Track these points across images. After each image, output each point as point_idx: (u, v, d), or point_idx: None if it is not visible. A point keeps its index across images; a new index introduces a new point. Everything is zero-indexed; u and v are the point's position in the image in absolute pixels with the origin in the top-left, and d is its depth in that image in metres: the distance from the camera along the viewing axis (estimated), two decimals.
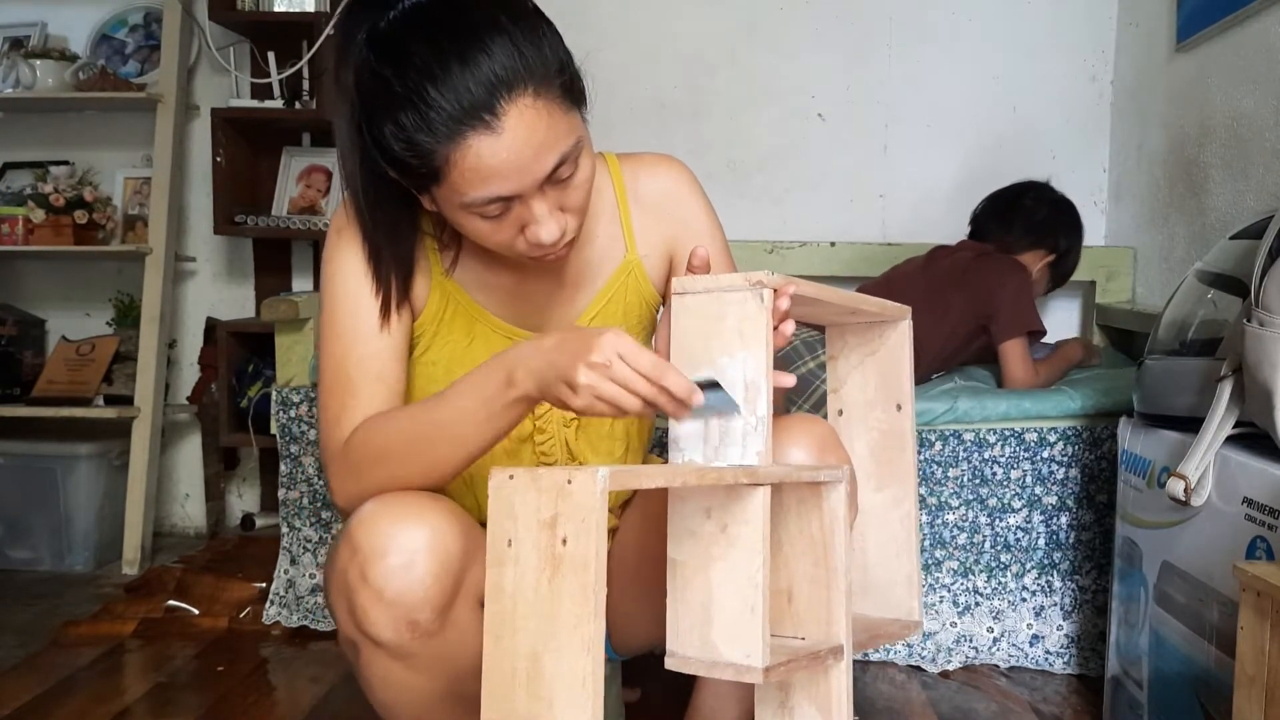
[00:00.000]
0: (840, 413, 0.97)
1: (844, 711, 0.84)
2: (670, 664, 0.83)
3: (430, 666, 0.98)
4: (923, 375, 1.98)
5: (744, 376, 0.82)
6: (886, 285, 2.09)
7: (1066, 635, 1.86)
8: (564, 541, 0.68)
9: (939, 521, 1.86)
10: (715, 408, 0.85)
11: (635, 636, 1.25)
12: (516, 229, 0.98)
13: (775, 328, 0.85)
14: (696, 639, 0.82)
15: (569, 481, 0.68)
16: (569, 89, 0.97)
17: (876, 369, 0.94)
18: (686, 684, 1.14)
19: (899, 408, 0.93)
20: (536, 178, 0.94)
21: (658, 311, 1.23)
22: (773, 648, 0.81)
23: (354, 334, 1.06)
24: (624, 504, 1.25)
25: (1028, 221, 2.09)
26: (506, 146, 0.91)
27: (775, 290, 0.82)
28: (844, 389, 0.97)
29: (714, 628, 0.80)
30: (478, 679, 1.02)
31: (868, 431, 0.95)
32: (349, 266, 1.08)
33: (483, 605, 0.98)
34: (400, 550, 0.93)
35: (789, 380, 0.88)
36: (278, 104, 2.54)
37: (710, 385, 0.85)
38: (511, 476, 0.71)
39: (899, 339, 0.92)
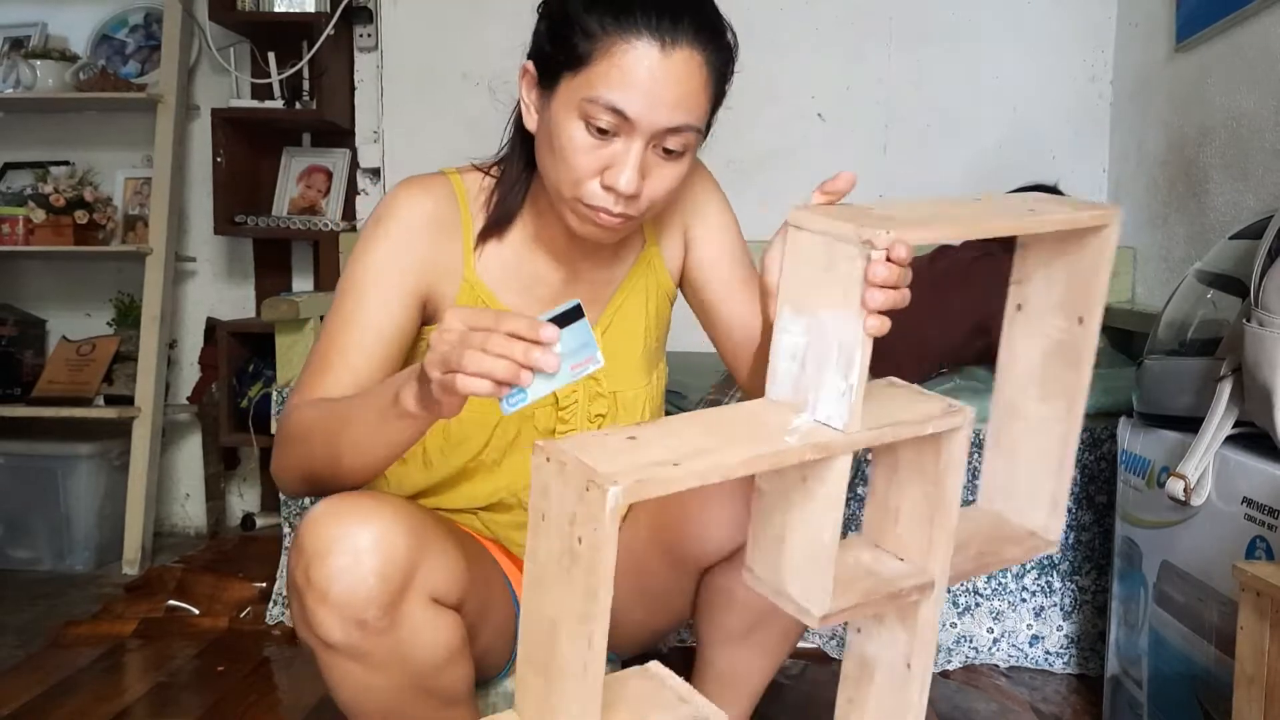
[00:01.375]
0: (1019, 307, 0.90)
1: (927, 647, 0.83)
2: (746, 579, 0.85)
3: (386, 665, 0.97)
4: (923, 375, 1.98)
5: (839, 337, 0.76)
6: None
7: (1066, 635, 1.86)
8: (579, 540, 0.68)
9: None
10: (577, 342, 0.80)
11: (630, 636, 1.25)
12: (600, 166, 1.00)
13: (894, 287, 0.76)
14: (770, 564, 0.83)
15: (586, 489, 0.67)
16: (718, 90, 1.04)
17: (1066, 272, 0.86)
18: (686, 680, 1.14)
19: (1081, 320, 0.85)
20: (660, 121, 0.98)
21: (673, 301, 1.25)
22: (856, 575, 0.82)
23: (354, 318, 1.07)
24: None
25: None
26: (665, 70, 0.96)
27: (886, 251, 0.73)
28: (1029, 284, 0.90)
29: (784, 561, 0.81)
30: (441, 673, 1.01)
31: (1043, 337, 0.88)
32: (384, 249, 1.09)
33: (436, 602, 0.99)
34: (344, 551, 0.92)
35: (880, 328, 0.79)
36: (278, 104, 2.54)
37: (564, 317, 0.80)
38: (549, 459, 0.71)
39: (1100, 246, 0.83)
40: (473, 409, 1.03)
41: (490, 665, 1.20)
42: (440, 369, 0.82)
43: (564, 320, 0.80)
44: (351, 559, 0.92)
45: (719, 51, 1.01)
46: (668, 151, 1.01)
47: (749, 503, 1.05)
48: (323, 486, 1.02)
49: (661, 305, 1.24)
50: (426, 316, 1.13)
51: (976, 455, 1.86)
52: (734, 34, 1.05)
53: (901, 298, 0.74)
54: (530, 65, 1.07)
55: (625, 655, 1.32)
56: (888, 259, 0.71)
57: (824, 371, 0.77)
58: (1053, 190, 2.15)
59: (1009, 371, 0.91)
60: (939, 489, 0.82)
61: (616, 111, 0.97)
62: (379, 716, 1.01)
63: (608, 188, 1.00)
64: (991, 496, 0.94)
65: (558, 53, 1.01)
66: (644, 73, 0.96)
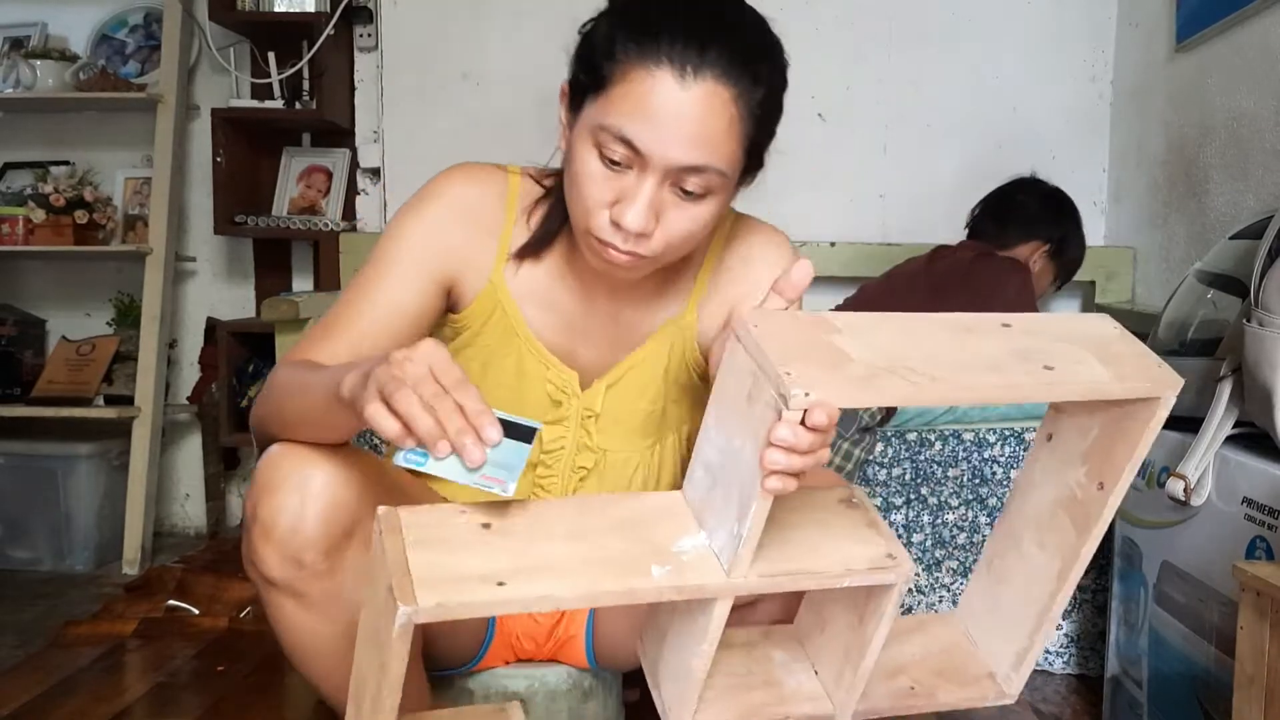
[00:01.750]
0: (1050, 437, 0.80)
1: None
2: (638, 647, 0.82)
3: (325, 609, 0.95)
4: None
5: (741, 479, 0.68)
6: (888, 286, 2.09)
7: (1066, 635, 1.86)
8: (379, 632, 0.66)
9: (939, 521, 1.86)
10: (506, 459, 0.73)
11: (617, 653, 1.23)
12: (612, 197, 0.95)
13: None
14: (652, 652, 0.80)
15: (388, 590, 0.63)
16: (755, 138, 0.96)
17: (1103, 426, 0.76)
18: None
19: (1101, 486, 0.75)
20: (674, 159, 0.91)
21: (702, 374, 1.16)
22: (752, 681, 0.79)
23: (370, 289, 1.05)
24: None
25: (1021, 215, 2.09)
26: (678, 103, 0.90)
27: (803, 412, 0.64)
28: (1066, 417, 0.79)
29: (661, 659, 0.78)
30: None
31: (1061, 485, 0.79)
32: (418, 227, 1.07)
33: None
34: (292, 489, 0.91)
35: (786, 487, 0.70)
36: (278, 104, 2.54)
37: (516, 429, 0.74)
38: (382, 531, 0.67)
39: (1146, 418, 0.72)
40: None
41: (459, 651, 1.18)
42: (375, 388, 0.76)
43: (514, 431, 0.74)
44: (298, 498, 0.91)
45: (754, 88, 0.93)
46: (686, 192, 0.94)
47: None
48: (269, 441, 1.00)
49: (683, 375, 1.15)
50: (450, 303, 1.11)
51: (977, 454, 1.85)
52: (779, 67, 0.97)
53: (812, 462, 0.67)
54: (565, 85, 1.02)
55: (625, 670, 1.31)
56: (803, 422, 0.64)
57: (726, 505, 0.70)
58: (1033, 181, 2.14)
59: (1021, 499, 0.83)
60: (860, 633, 0.77)
61: (627, 143, 0.92)
62: (319, 661, 0.99)
63: (615, 223, 0.95)
64: (969, 615, 0.87)
65: (584, 74, 0.97)
66: (659, 105, 0.90)
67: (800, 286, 0.77)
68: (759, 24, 0.98)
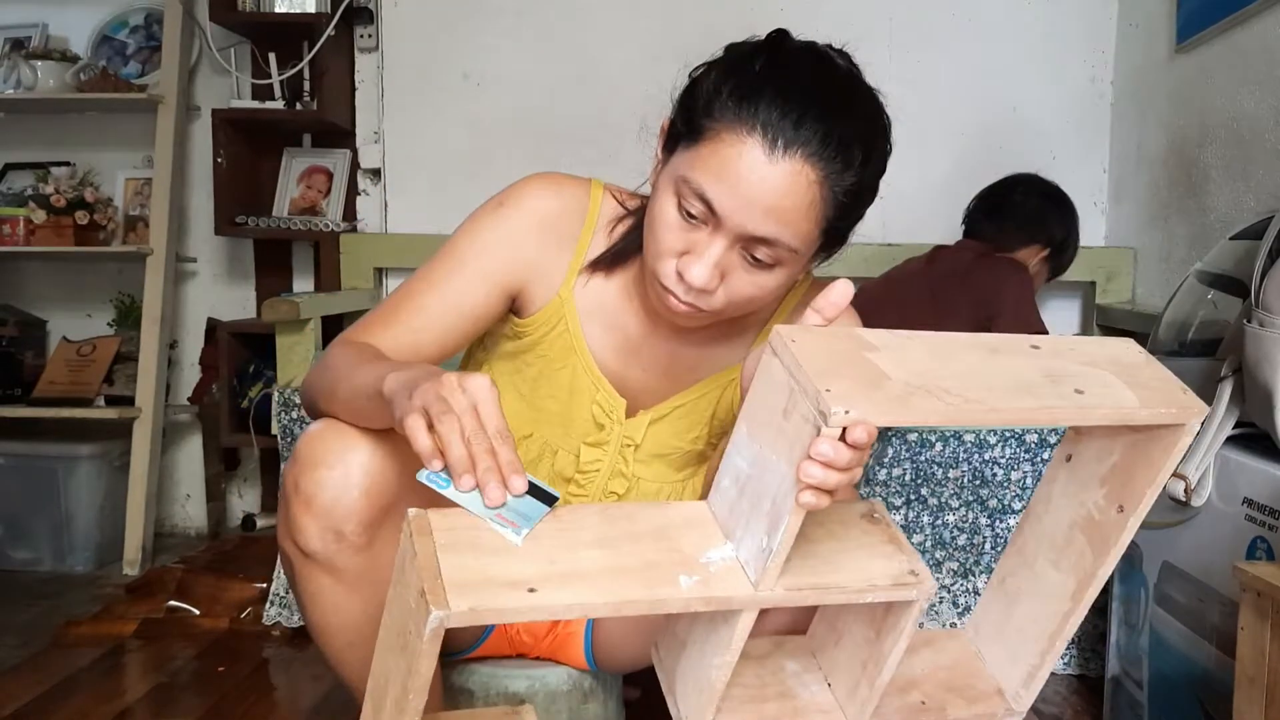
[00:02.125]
0: (1069, 458, 0.80)
1: None
2: (652, 655, 0.83)
3: (357, 584, 0.96)
4: None
5: (775, 491, 0.68)
6: (887, 286, 2.09)
7: None
8: (410, 632, 0.65)
9: (939, 522, 1.86)
10: (524, 510, 0.73)
11: (616, 654, 1.24)
12: (682, 247, 0.96)
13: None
14: (671, 660, 0.80)
15: (420, 594, 0.63)
16: (835, 222, 0.96)
17: (1125, 450, 0.75)
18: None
19: (1120, 509, 0.75)
20: (745, 226, 0.92)
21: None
22: (766, 694, 0.78)
23: (440, 284, 1.06)
24: None
25: (1020, 216, 2.07)
26: (762, 175, 0.90)
27: (842, 430, 0.64)
28: (1087, 439, 0.79)
29: (680, 666, 0.79)
30: None
31: (1079, 505, 0.79)
32: (494, 232, 1.07)
33: None
34: (334, 463, 0.92)
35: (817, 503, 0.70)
36: (279, 105, 2.54)
37: (539, 491, 0.74)
38: (412, 534, 0.68)
39: (1168, 444, 0.72)
40: (542, 422, 1.05)
41: (460, 635, 1.19)
42: (420, 403, 0.77)
43: (537, 492, 0.75)
44: (341, 472, 0.91)
45: (844, 173, 0.92)
46: (755, 259, 0.95)
47: None
48: (314, 414, 1.02)
49: (729, 421, 1.15)
50: (515, 308, 1.12)
51: (977, 456, 1.85)
52: (877, 155, 0.97)
53: (847, 479, 0.67)
54: (666, 123, 1.02)
55: (622, 672, 1.31)
56: (843, 438, 0.65)
57: (754, 517, 0.70)
58: (1033, 179, 2.12)
59: (1036, 520, 0.82)
60: (877, 648, 0.77)
61: (705, 201, 0.93)
62: (342, 638, 0.99)
63: (680, 274, 0.96)
64: (979, 631, 0.87)
65: (681, 122, 0.98)
66: (743, 173, 0.90)
67: (840, 306, 0.77)
68: (868, 107, 0.98)
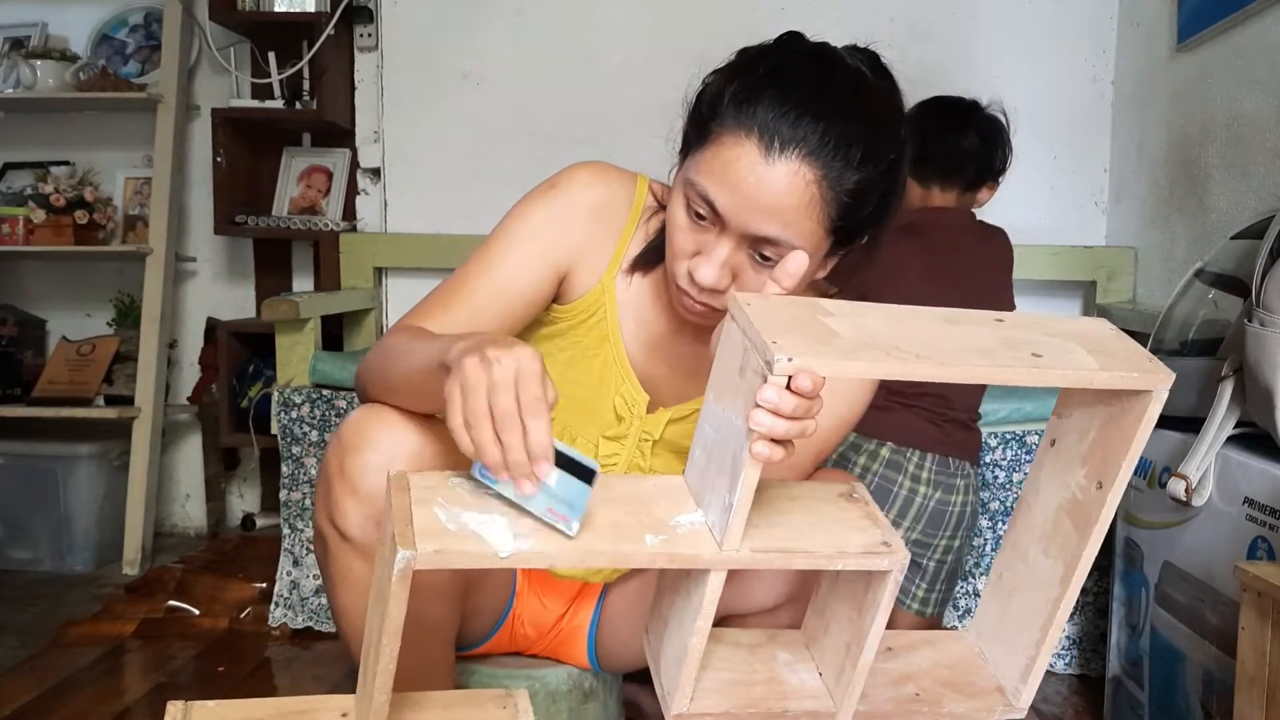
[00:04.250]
0: (1053, 443, 0.81)
1: None
2: (642, 641, 0.84)
3: None
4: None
5: (734, 449, 0.70)
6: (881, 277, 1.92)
7: (1068, 636, 1.86)
8: (387, 580, 0.68)
9: None
10: (569, 497, 0.73)
11: (621, 657, 1.24)
12: (693, 249, 0.98)
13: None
14: (656, 641, 0.81)
15: (392, 538, 0.66)
16: (840, 221, 0.95)
17: (1101, 426, 0.76)
18: None
19: (1100, 485, 0.75)
20: (748, 226, 0.94)
21: None
22: (753, 680, 0.79)
23: (494, 266, 1.07)
24: None
25: (975, 162, 1.90)
26: (759, 176, 0.92)
27: (788, 379, 0.67)
28: (1067, 420, 0.79)
29: (664, 645, 0.80)
30: (434, 603, 1.03)
31: (1063, 488, 0.79)
32: (546, 214, 1.09)
33: None
34: (380, 450, 0.94)
35: (773, 455, 0.71)
36: (278, 104, 2.54)
37: (576, 466, 0.73)
38: (396, 488, 0.71)
39: (1136, 414, 0.72)
40: (566, 406, 1.04)
41: (470, 631, 1.19)
42: (458, 384, 0.77)
43: (574, 468, 0.74)
44: (386, 459, 0.93)
45: (845, 172, 0.93)
46: (764, 258, 0.96)
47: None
48: (369, 397, 1.03)
49: None
50: (557, 294, 1.13)
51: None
52: (885, 153, 0.96)
53: (798, 430, 0.68)
54: (682, 129, 1.04)
55: (629, 671, 1.31)
56: (790, 387, 0.66)
57: (719, 478, 0.72)
58: (966, 116, 1.96)
59: (1026, 510, 0.83)
60: (859, 626, 0.77)
61: (709, 203, 0.95)
62: (361, 621, 1.01)
63: (691, 275, 0.98)
64: (981, 631, 0.88)
65: (691, 125, 1.00)
66: (741, 174, 0.92)
67: (795, 275, 0.79)
68: (872, 104, 0.97)
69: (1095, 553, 0.76)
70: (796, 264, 0.79)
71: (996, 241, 1.89)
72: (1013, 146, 1.94)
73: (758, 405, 0.67)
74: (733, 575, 1.08)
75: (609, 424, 1.15)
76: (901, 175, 1.00)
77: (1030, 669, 0.81)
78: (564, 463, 0.73)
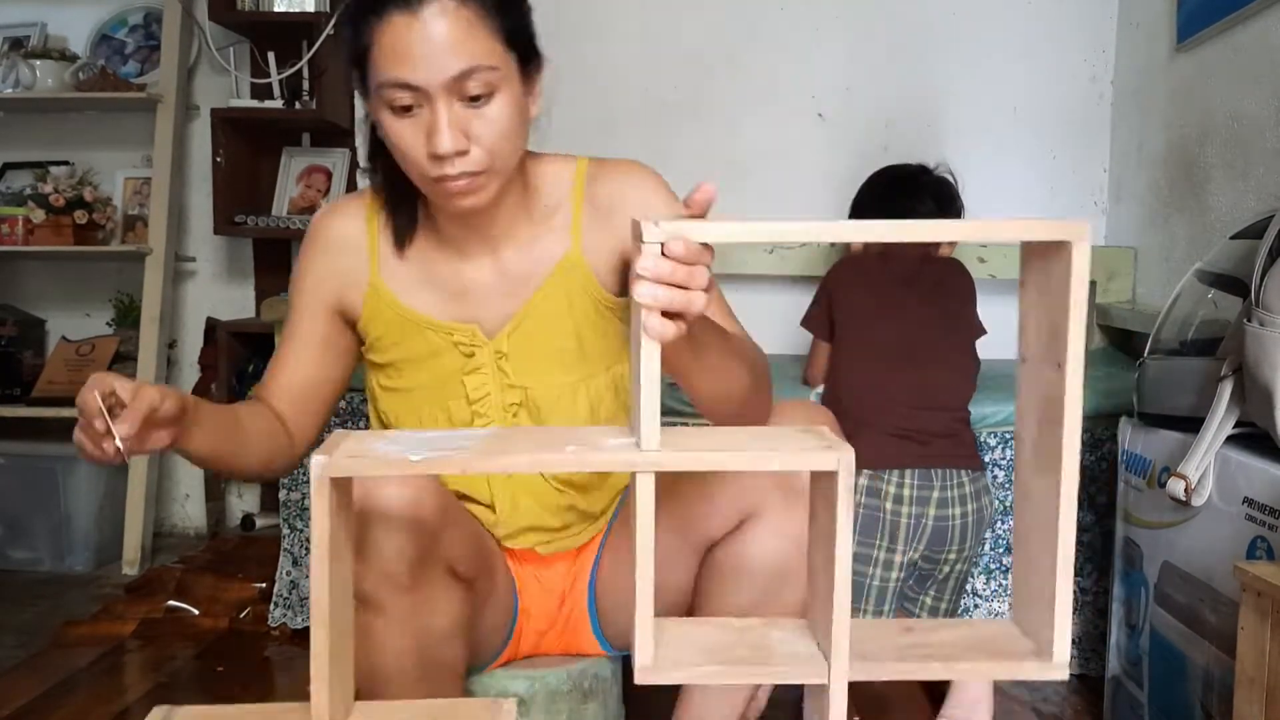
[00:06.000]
0: (1024, 359, 0.77)
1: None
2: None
3: (402, 623, 1.01)
4: None
5: (639, 342, 0.72)
6: (877, 303, 1.94)
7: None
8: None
9: None
10: None
11: (625, 628, 1.24)
12: (422, 138, 1.04)
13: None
14: (628, 627, 0.78)
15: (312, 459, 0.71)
16: (509, 29, 1.05)
17: (1047, 311, 0.73)
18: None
19: (1059, 366, 0.71)
20: (442, 74, 1.01)
21: (615, 311, 1.21)
22: (737, 650, 0.76)
23: (290, 329, 1.22)
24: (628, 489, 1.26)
25: (954, 212, 1.92)
26: (419, 31, 1.00)
27: (660, 245, 0.73)
28: (1026, 329, 0.77)
29: (629, 612, 0.77)
30: (445, 644, 1.05)
31: (1038, 395, 0.75)
32: (302, 268, 1.23)
33: (452, 573, 1.04)
34: (379, 506, 0.97)
35: (663, 332, 0.74)
36: (278, 104, 2.54)
37: None
38: (350, 439, 0.75)
39: (1063, 272, 0.70)
40: (426, 393, 1.17)
41: (478, 654, 1.21)
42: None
43: None
44: (386, 514, 0.97)
45: None
46: (475, 99, 1.03)
47: (755, 477, 1.05)
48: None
49: (591, 312, 1.20)
50: (357, 327, 1.23)
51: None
52: None
53: (682, 300, 0.74)
54: (352, 78, 1.11)
55: (623, 650, 1.31)
56: (664, 254, 0.72)
57: (638, 386, 0.72)
58: (920, 173, 1.96)
59: (1021, 442, 0.79)
60: (826, 542, 0.73)
61: (402, 84, 1.01)
62: (381, 679, 1.03)
63: (434, 156, 1.03)
64: (1014, 604, 0.81)
65: (349, 56, 1.07)
66: (406, 40, 1.00)
67: (706, 203, 0.82)
68: None
69: (1077, 443, 0.72)
70: (705, 192, 0.82)
71: (955, 269, 1.90)
72: (963, 202, 1.96)
73: (638, 276, 0.71)
74: (685, 494, 1.12)
75: (463, 364, 1.19)
76: None
77: (1052, 608, 0.74)
78: None
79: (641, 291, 0.71)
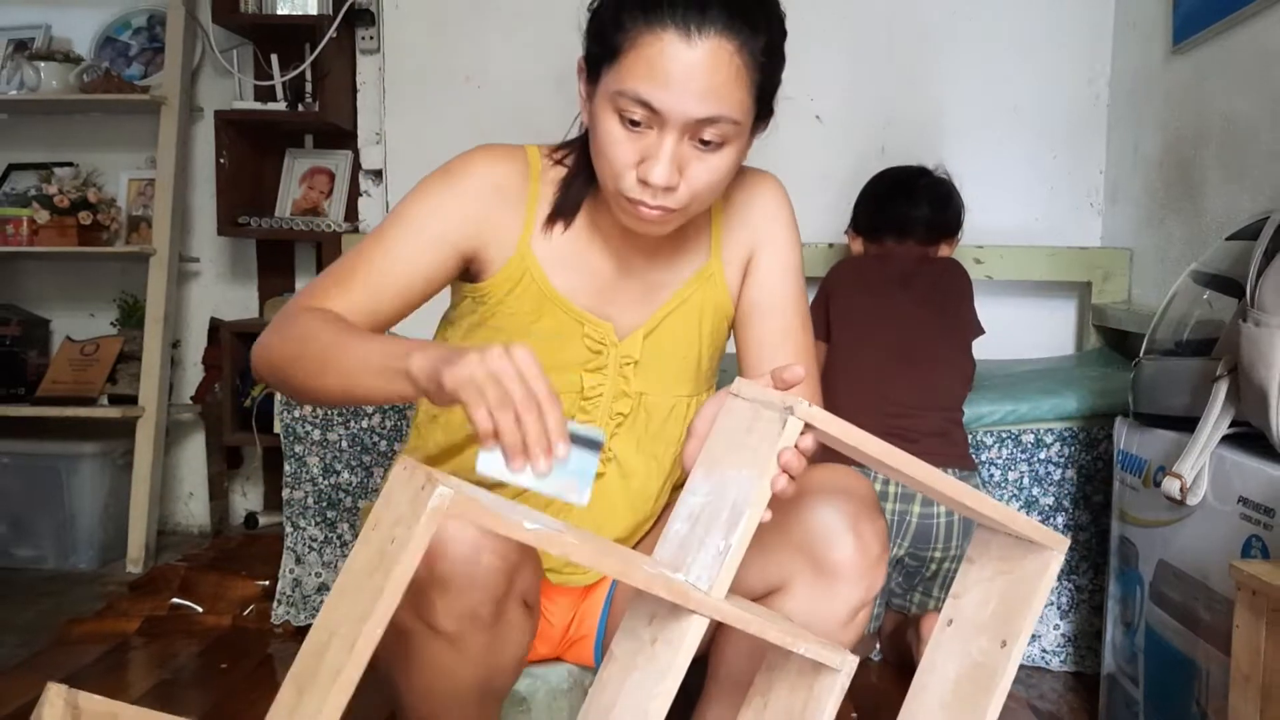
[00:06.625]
0: (950, 622, 0.85)
1: None
2: None
3: (478, 656, 0.99)
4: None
5: (735, 496, 0.76)
6: (874, 304, 1.94)
7: (1063, 634, 1.87)
8: (392, 541, 0.65)
9: None
10: (578, 467, 0.81)
11: None
12: (636, 158, 1.02)
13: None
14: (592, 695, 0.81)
15: (420, 488, 0.65)
16: (762, 85, 1.03)
17: (1002, 592, 0.81)
18: (693, 681, 1.14)
19: (1004, 644, 0.79)
20: (689, 113, 0.98)
21: (729, 322, 1.24)
22: None
23: (392, 247, 1.10)
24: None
25: (956, 220, 1.99)
26: (686, 61, 0.97)
27: (803, 424, 0.78)
28: (964, 599, 0.84)
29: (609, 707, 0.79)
30: (509, 673, 1.05)
31: (964, 656, 0.81)
32: (442, 197, 1.12)
33: (524, 605, 1.01)
34: (463, 543, 0.93)
35: (764, 515, 0.80)
36: (281, 106, 2.55)
37: (583, 440, 0.82)
38: (404, 468, 0.69)
39: (1039, 570, 0.78)
40: None
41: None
42: (475, 387, 0.82)
43: (582, 441, 0.82)
44: (471, 551, 0.93)
45: (755, 37, 1.00)
46: (705, 143, 1.01)
47: (785, 549, 1.06)
48: (287, 384, 1.04)
49: (718, 324, 1.22)
50: (472, 274, 1.16)
51: (974, 457, 1.86)
52: (776, 16, 1.05)
53: (799, 472, 0.80)
54: (581, 60, 1.09)
55: None
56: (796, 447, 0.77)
57: (711, 530, 0.77)
58: (938, 179, 2.02)
59: (922, 690, 0.84)
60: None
61: (645, 104, 0.98)
62: (441, 705, 1.02)
63: (643, 181, 1.01)
64: None
65: (597, 47, 1.04)
66: (670, 65, 0.97)
67: (791, 384, 0.86)
68: None
69: (1000, 706, 0.80)
70: (795, 375, 0.87)
71: (952, 269, 1.92)
72: (962, 202, 1.99)
73: (784, 449, 0.76)
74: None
75: (586, 360, 1.17)
76: (785, 32, 1.08)
77: None
78: (573, 437, 0.81)
79: (789, 462, 0.78)
